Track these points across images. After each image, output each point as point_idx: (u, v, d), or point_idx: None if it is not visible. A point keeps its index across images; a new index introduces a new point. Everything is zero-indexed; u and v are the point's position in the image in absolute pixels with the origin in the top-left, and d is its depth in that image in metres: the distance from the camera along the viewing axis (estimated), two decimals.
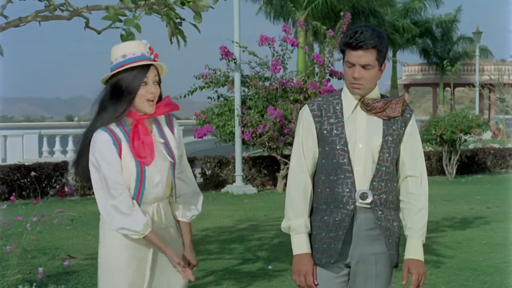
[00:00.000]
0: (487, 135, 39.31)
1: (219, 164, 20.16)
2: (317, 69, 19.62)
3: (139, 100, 3.89)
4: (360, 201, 3.90)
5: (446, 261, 9.36)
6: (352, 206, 3.91)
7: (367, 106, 3.94)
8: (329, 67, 19.30)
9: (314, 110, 4.00)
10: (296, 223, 4.00)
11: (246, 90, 19.54)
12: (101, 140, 3.87)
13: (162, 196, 4.13)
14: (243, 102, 18.98)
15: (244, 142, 19.11)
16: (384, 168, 3.95)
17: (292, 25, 34.66)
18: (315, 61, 19.35)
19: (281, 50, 18.99)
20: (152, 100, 3.92)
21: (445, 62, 46.17)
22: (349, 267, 4.01)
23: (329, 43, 19.25)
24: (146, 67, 3.91)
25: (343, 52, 3.94)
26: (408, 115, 4.05)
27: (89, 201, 16.89)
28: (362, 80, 3.88)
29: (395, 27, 44.53)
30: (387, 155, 3.95)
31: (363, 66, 3.85)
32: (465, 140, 23.11)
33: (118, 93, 3.88)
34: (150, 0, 4.39)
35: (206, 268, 9.07)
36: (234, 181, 19.48)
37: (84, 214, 14.21)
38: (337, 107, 3.99)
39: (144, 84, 3.89)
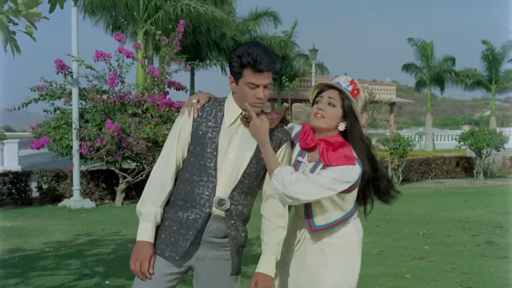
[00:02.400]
0: None
1: (56, 178, 19.72)
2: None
3: None
4: (217, 206, 3.99)
5: None
6: (208, 210, 3.99)
7: (246, 119, 4.05)
8: (167, 78, 19.33)
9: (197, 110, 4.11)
10: (147, 210, 4.04)
11: (84, 103, 19.26)
12: None
13: None
14: (81, 115, 18.69)
15: (82, 156, 18.80)
16: (247, 181, 4.06)
17: (130, 36, 34.41)
18: (152, 74, 19.33)
19: (118, 63, 18.85)
20: None
21: (283, 78, 47.16)
22: (191, 268, 4.09)
23: (165, 53, 19.27)
24: None
25: (239, 73, 4.01)
26: (285, 138, 4.21)
27: None
28: (263, 100, 4.03)
29: (236, 42, 45.05)
30: (253, 169, 4.07)
31: (265, 87, 4.00)
32: None
33: None
34: None
35: (41, 285, 8.85)
36: (71, 195, 19.11)
37: None
38: (219, 114, 4.09)
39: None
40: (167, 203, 4.11)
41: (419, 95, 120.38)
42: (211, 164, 4.00)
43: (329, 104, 4.28)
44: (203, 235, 4.02)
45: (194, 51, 39.00)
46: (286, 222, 4.14)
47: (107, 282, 9.01)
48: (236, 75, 4.02)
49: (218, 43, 42.08)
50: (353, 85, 4.32)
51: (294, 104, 58.63)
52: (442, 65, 58.02)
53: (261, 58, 3.93)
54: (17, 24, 4.37)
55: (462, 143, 30.23)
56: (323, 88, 4.38)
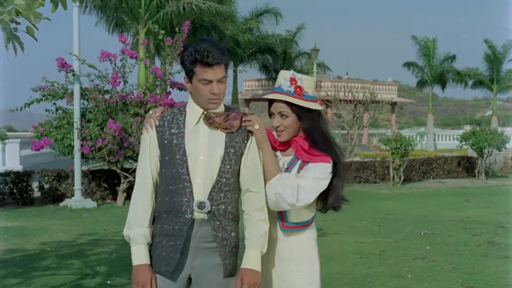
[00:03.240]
0: None
1: (57, 178, 19.71)
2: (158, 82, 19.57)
3: None
4: (198, 210, 3.95)
5: None
6: (190, 215, 3.96)
7: (208, 119, 4.01)
8: (170, 79, 19.32)
9: (158, 121, 4.09)
10: (136, 233, 4.01)
11: (86, 103, 19.26)
12: None
13: None
14: (83, 115, 18.69)
15: (83, 156, 18.80)
16: (224, 179, 4.01)
17: (132, 37, 34.39)
18: (155, 74, 19.31)
19: (122, 63, 18.84)
20: None
21: None
22: (190, 278, 4.06)
23: (168, 53, 19.25)
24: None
25: (191, 70, 3.98)
26: (250, 133, 4.14)
27: None
28: (220, 95, 3.99)
29: (236, 41, 44.99)
30: (228, 166, 4.03)
31: (219, 80, 3.96)
32: None
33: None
34: None
35: (43, 285, 8.86)
36: (73, 195, 19.10)
37: None
38: (180, 119, 4.07)
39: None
40: (153, 219, 4.10)
41: (421, 95, 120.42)
42: (183, 169, 3.97)
43: (282, 116, 4.30)
44: (192, 242, 3.99)
45: None
46: (266, 215, 4.12)
47: (108, 281, 9.02)
48: (189, 74, 4.01)
49: (220, 43, 42.04)
50: (293, 84, 4.29)
51: None
52: (443, 64, 57.99)
53: (209, 52, 3.90)
54: (19, 23, 4.37)
55: (463, 143, 30.18)
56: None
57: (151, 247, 4.06)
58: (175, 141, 4.01)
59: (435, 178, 29.29)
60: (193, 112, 4.06)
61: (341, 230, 13.92)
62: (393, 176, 25.70)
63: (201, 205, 3.95)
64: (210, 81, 3.94)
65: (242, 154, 4.08)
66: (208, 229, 4.00)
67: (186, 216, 3.96)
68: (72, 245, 12.18)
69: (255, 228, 4.08)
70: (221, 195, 4.01)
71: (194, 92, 4.03)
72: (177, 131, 4.03)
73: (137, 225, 4.02)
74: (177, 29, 19.02)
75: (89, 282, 9.03)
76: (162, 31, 20.89)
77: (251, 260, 4.06)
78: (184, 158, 3.98)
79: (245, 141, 4.09)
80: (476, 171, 30.27)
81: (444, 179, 29.06)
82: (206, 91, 3.96)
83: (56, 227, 14.36)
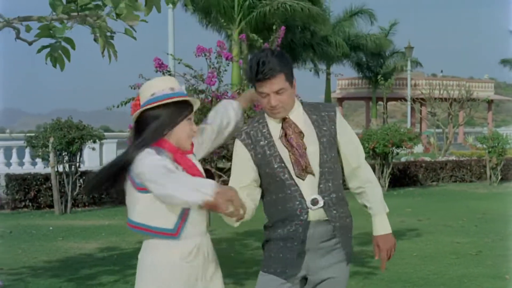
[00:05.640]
0: (419, 148, 39.89)
1: None
2: None
3: (181, 135, 3.93)
4: (313, 207, 3.99)
5: (377, 272, 9.44)
6: (306, 216, 4.00)
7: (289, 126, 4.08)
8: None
9: (244, 140, 4.13)
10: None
11: None
12: (157, 158, 3.77)
13: (206, 227, 4.15)
14: None
15: None
16: (326, 169, 4.06)
17: (227, 38, 34.68)
18: None
19: (217, 61, 18.95)
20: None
21: (379, 76, 46.72)
22: (306, 278, 4.11)
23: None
24: (189, 104, 3.99)
25: (253, 85, 4.08)
26: (333, 112, 4.19)
27: (21, 214, 16.63)
28: (280, 104, 4.02)
29: (328, 41, 44.88)
30: (325, 156, 4.07)
31: (277, 92, 3.99)
32: (397, 153, 23.39)
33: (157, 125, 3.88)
34: (83, 12, 4.36)
35: None
36: None
37: (15, 227, 13.99)
38: (264, 130, 4.12)
39: (188, 119, 3.96)
40: (266, 228, 4.17)
41: None
42: (285, 175, 4.02)
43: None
44: (309, 243, 4.03)
45: (288, 52, 39.08)
46: (376, 180, 4.27)
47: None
48: (253, 86, 4.11)
49: (312, 43, 41.99)
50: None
51: (389, 103, 58.19)
52: None
53: (259, 68, 3.94)
54: (114, 33, 4.47)
55: None
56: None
57: (264, 249, 4.17)
58: (268, 152, 4.06)
59: None
60: (274, 121, 4.12)
61: (437, 230, 13.73)
62: (490, 175, 25.19)
63: (314, 202, 4.00)
64: (267, 94, 4.00)
65: (335, 140, 4.14)
66: (324, 229, 4.05)
67: (301, 217, 4.00)
68: None
69: (373, 194, 4.22)
70: (329, 184, 4.06)
71: (260, 103, 4.14)
72: (266, 142, 4.09)
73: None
74: (269, 30, 18.98)
75: None
76: (256, 37, 20.96)
77: (380, 226, 4.22)
78: (283, 164, 4.02)
79: (333, 126, 4.14)
80: None
81: None
82: (265, 103, 4.05)
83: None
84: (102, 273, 9.71)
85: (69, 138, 17.23)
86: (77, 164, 18.05)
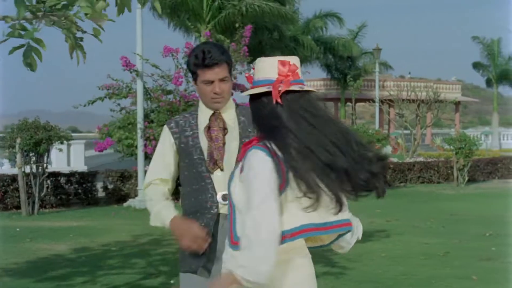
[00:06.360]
0: (387, 149, 40.10)
1: (121, 178, 19.94)
2: None
3: None
4: (223, 202, 4.03)
5: (347, 273, 9.47)
6: (216, 210, 4.06)
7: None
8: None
9: (172, 127, 4.22)
10: (156, 208, 4.32)
11: (149, 103, 19.37)
12: None
13: None
14: (146, 116, 18.81)
15: (147, 156, 18.93)
16: None
17: (194, 39, 34.60)
18: None
19: (184, 63, 18.86)
20: None
21: (348, 77, 46.94)
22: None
23: (231, 57, 19.23)
24: None
25: (195, 73, 4.12)
26: None
27: None
28: (223, 93, 4.11)
29: (297, 42, 44.97)
30: None
31: (221, 80, 4.08)
32: None
33: None
34: (51, 13, 4.31)
35: (108, 283, 8.95)
36: (136, 195, 19.28)
37: None
38: (193, 121, 4.21)
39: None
40: None
41: (485, 94, 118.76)
42: (202, 167, 4.10)
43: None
44: (219, 238, 4.04)
45: (257, 52, 38.99)
46: None
47: (172, 281, 9.07)
48: (194, 77, 4.15)
49: (280, 44, 42.08)
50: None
51: (358, 104, 58.42)
52: (509, 63, 57.15)
53: (206, 54, 4.02)
54: (85, 32, 4.44)
55: None
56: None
57: (178, 249, 4.23)
58: (191, 143, 4.15)
59: (500, 178, 28.84)
60: (204, 113, 4.19)
61: (405, 231, 13.80)
62: (457, 176, 25.38)
63: (224, 197, 4.00)
64: (212, 81, 4.06)
65: None
66: None
67: (212, 211, 4.06)
68: (136, 244, 12.29)
69: None
70: None
71: (199, 92, 4.19)
72: (191, 133, 4.16)
73: (156, 204, 4.33)
74: (239, 31, 18.96)
75: (152, 282, 9.10)
76: (223, 37, 20.95)
77: None
78: (202, 157, 4.11)
79: None
80: None
81: (510, 180, 28.56)
82: (209, 91, 4.09)
83: (121, 227, 14.52)
84: (72, 274, 9.65)
85: (36, 139, 17.11)
86: (45, 165, 17.92)
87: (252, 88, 3.32)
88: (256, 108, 3.31)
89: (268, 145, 3.17)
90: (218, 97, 4.09)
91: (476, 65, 58.90)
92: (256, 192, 3.08)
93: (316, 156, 3.12)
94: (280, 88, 3.21)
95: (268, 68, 3.30)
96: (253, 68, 3.47)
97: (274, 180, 3.10)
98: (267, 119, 3.24)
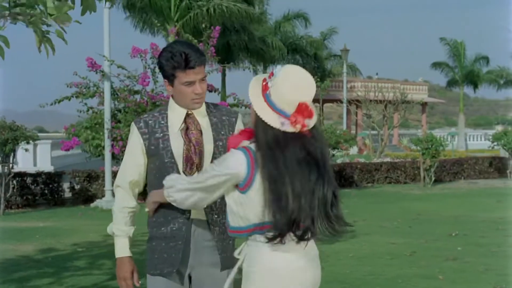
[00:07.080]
0: (354, 150, 40.26)
1: (88, 179, 19.83)
2: None
3: None
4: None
5: None
6: (188, 215, 3.99)
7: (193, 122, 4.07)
8: None
9: (141, 128, 4.10)
10: (117, 227, 4.25)
11: (116, 103, 19.26)
12: None
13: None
14: (113, 116, 18.72)
15: (114, 156, 18.84)
16: None
17: (164, 39, 34.53)
18: None
19: (152, 61, 18.79)
20: None
21: (315, 78, 47.04)
22: (191, 276, 4.09)
23: None
24: None
25: (172, 75, 3.98)
26: (234, 118, 4.20)
27: None
28: (203, 94, 4.03)
29: (265, 43, 45.04)
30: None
31: (202, 80, 3.99)
32: (333, 155, 23.55)
33: None
34: (15, 10, 4.26)
35: (75, 284, 8.90)
36: (103, 196, 19.19)
37: None
38: (162, 122, 4.09)
39: None
40: (149, 225, 4.22)
41: (452, 95, 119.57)
42: (174, 171, 3.98)
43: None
44: (193, 242, 4.02)
45: (225, 53, 39.04)
46: None
47: (139, 283, 9.01)
48: (170, 78, 4.01)
49: (248, 45, 42.15)
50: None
51: (325, 104, 58.58)
52: (474, 65, 57.66)
53: (189, 56, 3.92)
54: (50, 25, 4.37)
55: (495, 143, 29.96)
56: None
57: (148, 250, 4.21)
58: (162, 145, 4.04)
59: (467, 179, 29.06)
60: (177, 113, 4.08)
61: (372, 231, 13.86)
62: (424, 177, 25.53)
63: None
64: (193, 82, 3.97)
65: None
66: (206, 228, 4.03)
67: (184, 216, 3.99)
68: (103, 245, 12.22)
69: None
70: None
71: (177, 94, 4.04)
72: (161, 135, 4.05)
73: (118, 223, 4.26)
74: (206, 31, 18.89)
75: None
76: (191, 37, 20.88)
77: None
78: (173, 160, 4.01)
79: (231, 132, 4.11)
80: (508, 171, 29.98)
81: (476, 180, 28.82)
82: (189, 92, 3.99)
83: (87, 228, 14.43)
84: (38, 275, 9.58)
85: (2, 139, 16.97)
86: (10, 165, 17.77)
87: (265, 102, 3.49)
88: (263, 122, 3.46)
89: (252, 153, 3.49)
90: (199, 97, 4.00)
91: (437, 65, 59.32)
92: (214, 173, 3.52)
93: (285, 195, 3.40)
94: (290, 130, 3.45)
95: (287, 101, 3.45)
96: (272, 74, 3.54)
97: (235, 180, 3.50)
98: (266, 137, 3.45)
